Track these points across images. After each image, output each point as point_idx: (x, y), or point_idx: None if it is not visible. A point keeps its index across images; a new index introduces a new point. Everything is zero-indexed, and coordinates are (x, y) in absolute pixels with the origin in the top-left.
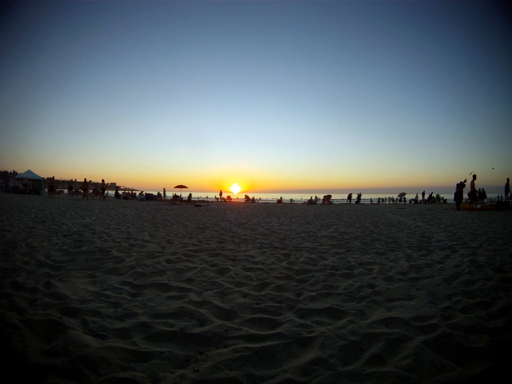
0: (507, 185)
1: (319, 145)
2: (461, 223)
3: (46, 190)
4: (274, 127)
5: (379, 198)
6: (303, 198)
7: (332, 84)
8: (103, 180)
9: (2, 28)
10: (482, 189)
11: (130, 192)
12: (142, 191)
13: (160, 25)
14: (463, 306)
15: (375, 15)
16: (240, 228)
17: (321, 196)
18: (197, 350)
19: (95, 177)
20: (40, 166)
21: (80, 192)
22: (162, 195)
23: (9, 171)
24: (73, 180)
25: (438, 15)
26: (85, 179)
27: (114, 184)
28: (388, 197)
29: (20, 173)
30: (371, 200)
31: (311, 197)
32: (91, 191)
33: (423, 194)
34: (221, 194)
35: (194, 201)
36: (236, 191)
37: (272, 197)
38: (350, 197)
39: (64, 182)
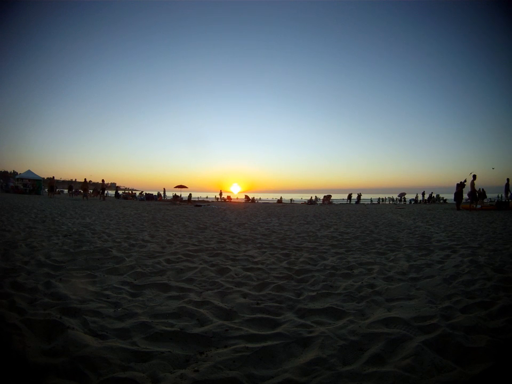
0: (507, 185)
1: (319, 145)
2: (461, 223)
3: (46, 190)
4: (274, 127)
5: (379, 198)
6: (303, 198)
7: (331, 84)
8: (103, 180)
9: (2, 27)
10: (482, 189)
11: (130, 192)
12: (142, 191)
13: (160, 25)
14: (463, 306)
15: (375, 15)
16: (240, 228)
17: (321, 196)
18: (197, 350)
19: (95, 177)
20: (40, 166)
21: (80, 192)
22: (162, 195)
23: (9, 171)
24: (73, 180)
25: (438, 15)
26: (85, 179)
27: (114, 184)
28: (388, 197)
29: (20, 173)
30: (371, 200)
31: (311, 197)
32: (91, 191)
33: (423, 194)
34: (221, 194)
35: (194, 201)
36: (235, 191)
37: (272, 197)
38: (350, 197)
39: (64, 182)
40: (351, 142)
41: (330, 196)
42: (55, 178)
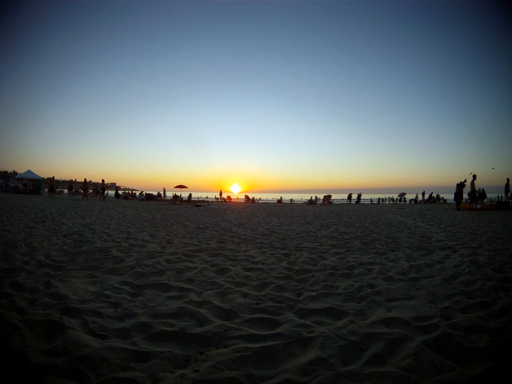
0: (507, 185)
1: (319, 145)
2: (461, 223)
3: (46, 190)
4: (274, 127)
5: (379, 198)
6: (303, 198)
7: (332, 84)
8: (103, 180)
9: (2, 27)
10: (482, 189)
11: (130, 192)
12: (142, 191)
13: (160, 25)
14: (463, 306)
15: (375, 15)
16: (240, 228)
17: (321, 196)
18: (197, 350)
19: (95, 177)
20: (40, 166)
21: (80, 192)
22: (162, 195)
23: (9, 171)
24: (73, 180)
25: (438, 15)
26: (85, 179)
27: (114, 184)
28: (388, 197)
29: (20, 173)
30: (371, 200)
31: (311, 197)
32: (91, 191)
33: (423, 194)
34: (221, 194)
35: (194, 201)
36: (235, 191)
37: (272, 197)
38: (350, 197)
39: (64, 182)
40: (351, 142)
41: (330, 196)
42: (55, 178)
